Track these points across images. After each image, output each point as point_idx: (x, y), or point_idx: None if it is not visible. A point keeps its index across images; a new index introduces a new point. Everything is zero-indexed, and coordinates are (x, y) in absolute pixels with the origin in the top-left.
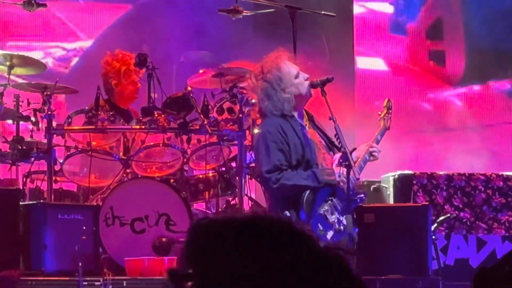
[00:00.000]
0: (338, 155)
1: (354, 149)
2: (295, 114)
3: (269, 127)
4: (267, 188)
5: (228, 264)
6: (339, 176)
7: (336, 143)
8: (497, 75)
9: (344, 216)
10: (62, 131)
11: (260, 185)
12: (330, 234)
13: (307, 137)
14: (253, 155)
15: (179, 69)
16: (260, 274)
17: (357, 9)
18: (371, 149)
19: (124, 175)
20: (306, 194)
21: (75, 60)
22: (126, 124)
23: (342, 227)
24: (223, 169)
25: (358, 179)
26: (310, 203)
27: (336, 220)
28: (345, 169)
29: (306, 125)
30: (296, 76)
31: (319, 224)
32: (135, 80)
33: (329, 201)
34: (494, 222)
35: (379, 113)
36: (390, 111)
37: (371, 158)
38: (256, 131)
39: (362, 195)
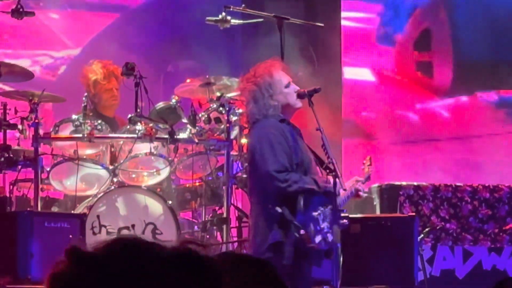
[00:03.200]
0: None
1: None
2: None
3: (272, 128)
4: (270, 186)
5: None
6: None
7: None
8: (485, 86)
9: (331, 228)
10: (49, 139)
11: (247, 194)
12: (318, 239)
13: (303, 145)
14: (243, 165)
15: (166, 78)
16: None
17: (345, 20)
18: (357, 186)
19: (111, 183)
20: (304, 195)
21: (62, 68)
22: (113, 132)
23: (329, 237)
24: (210, 178)
25: (345, 189)
26: (307, 204)
27: (325, 228)
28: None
29: (297, 133)
30: (287, 86)
31: (311, 225)
32: (109, 87)
33: (323, 208)
34: (480, 233)
35: (364, 162)
36: (371, 165)
37: (356, 195)
38: (246, 141)
39: (345, 221)
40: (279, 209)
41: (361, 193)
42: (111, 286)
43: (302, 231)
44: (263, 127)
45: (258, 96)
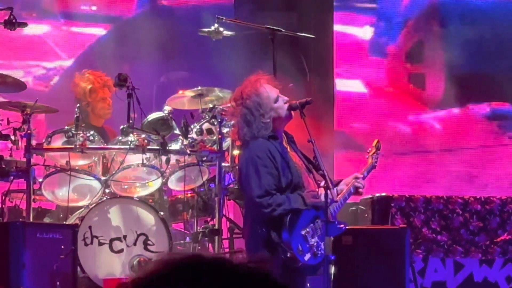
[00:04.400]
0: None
1: (340, 180)
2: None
3: (258, 151)
4: (256, 211)
5: None
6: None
7: (315, 164)
8: (477, 99)
9: (323, 241)
10: (42, 150)
11: (238, 205)
12: (307, 256)
13: (291, 160)
14: (235, 176)
15: (159, 90)
16: None
17: (337, 31)
18: (356, 184)
19: (103, 194)
20: (290, 215)
21: (55, 79)
22: (103, 143)
23: (319, 252)
24: (202, 189)
25: (336, 201)
26: (294, 223)
27: (315, 244)
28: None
29: (286, 147)
30: (276, 100)
31: (299, 245)
32: (104, 96)
33: (312, 224)
34: (471, 245)
35: (368, 150)
36: (378, 151)
37: (356, 192)
38: (238, 152)
39: (343, 225)
40: (265, 231)
41: (361, 190)
42: None
43: (288, 254)
44: (250, 150)
45: (249, 119)
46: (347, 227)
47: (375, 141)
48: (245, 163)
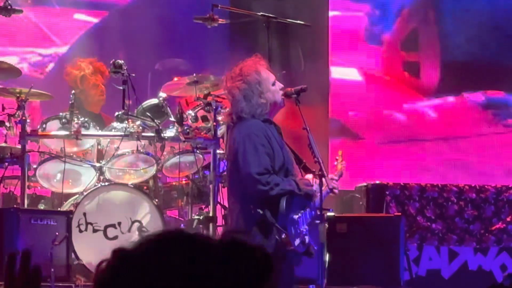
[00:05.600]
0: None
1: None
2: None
3: (255, 129)
4: (251, 189)
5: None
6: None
7: (300, 158)
8: (472, 87)
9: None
10: (36, 137)
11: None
12: (297, 242)
13: (284, 145)
14: (229, 156)
15: (154, 77)
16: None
17: (332, 19)
18: (333, 184)
19: (98, 181)
20: (286, 197)
21: (50, 66)
22: (99, 129)
23: (306, 240)
24: (197, 177)
25: (330, 189)
26: (289, 206)
27: (304, 231)
28: (317, 179)
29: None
30: (273, 84)
31: (292, 228)
32: (96, 83)
33: (303, 211)
34: (466, 234)
35: (336, 158)
36: (343, 161)
37: (331, 192)
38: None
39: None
40: (260, 211)
41: (336, 190)
42: (153, 281)
43: (283, 235)
44: (247, 127)
45: (249, 94)
46: (342, 215)
47: (339, 152)
48: (241, 140)
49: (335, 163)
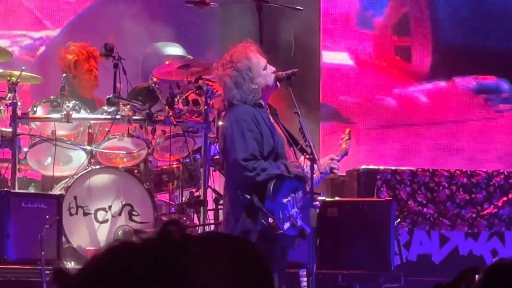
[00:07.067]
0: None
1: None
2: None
3: (244, 115)
4: (238, 175)
5: None
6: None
7: (296, 140)
8: (463, 72)
9: (302, 214)
10: (27, 120)
11: (222, 173)
12: (287, 225)
13: (275, 129)
14: (219, 142)
15: (145, 60)
16: None
17: (324, 3)
18: (332, 165)
19: (89, 164)
20: (274, 181)
21: (41, 49)
22: (91, 113)
23: (298, 223)
24: (187, 160)
25: (322, 172)
26: (276, 190)
27: (295, 214)
28: (309, 162)
29: (270, 118)
30: (264, 68)
31: (280, 212)
32: (90, 68)
33: (293, 194)
34: (458, 218)
35: (342, 136)
36: (350, 139)
37: (331, 172)
38: (222, 122)
39: (318, 203)
40: (248, 196)
41: (336, 171)
42: None
43: (270, 219)
44: (236, 114)
45: (240, 81)
46: (333, 199)
47: (347, 130)
48: (230, 126)
49: (340, 142)
